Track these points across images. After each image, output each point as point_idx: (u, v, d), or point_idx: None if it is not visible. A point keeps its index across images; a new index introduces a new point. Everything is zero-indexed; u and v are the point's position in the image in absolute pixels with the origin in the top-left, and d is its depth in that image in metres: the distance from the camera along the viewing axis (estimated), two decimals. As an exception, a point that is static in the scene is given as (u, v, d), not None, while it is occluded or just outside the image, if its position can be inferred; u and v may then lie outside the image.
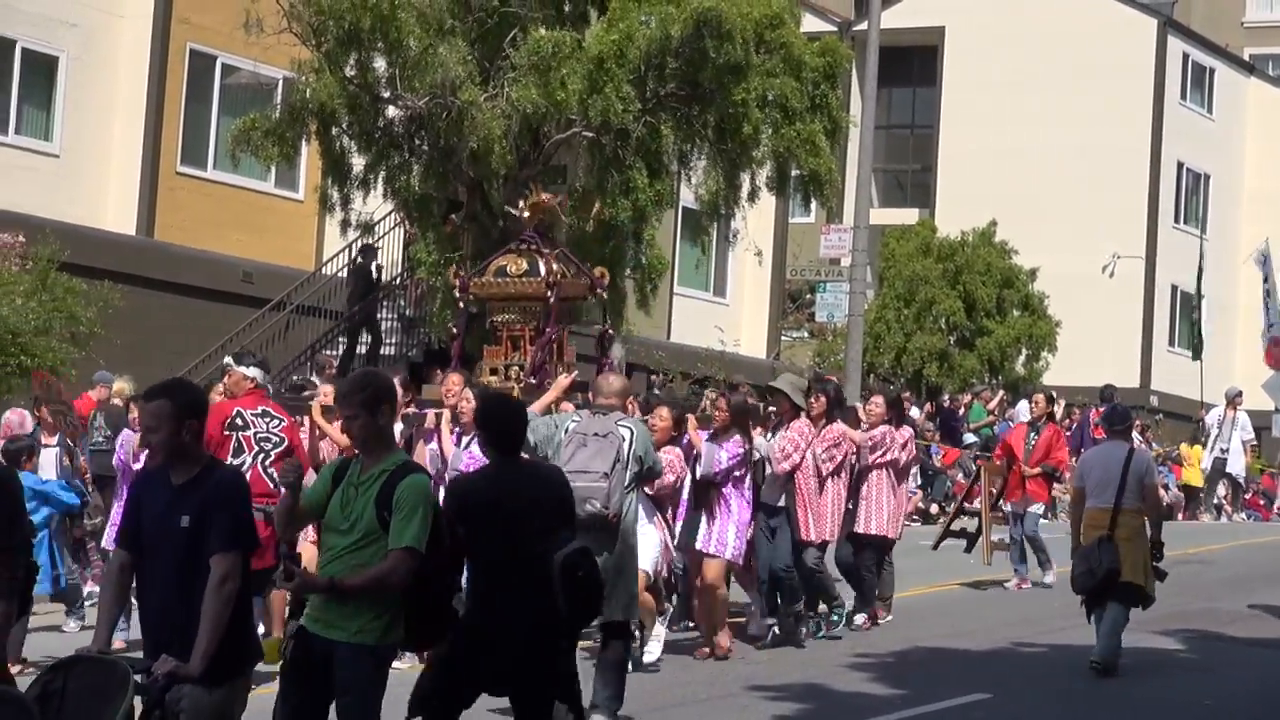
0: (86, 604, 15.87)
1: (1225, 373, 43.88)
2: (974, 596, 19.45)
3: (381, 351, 29.95)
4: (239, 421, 13.15)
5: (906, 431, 17.29)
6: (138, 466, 14.28)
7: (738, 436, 14.62)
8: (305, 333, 30.25)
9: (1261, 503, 37.19)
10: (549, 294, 16.64)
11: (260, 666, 8.20)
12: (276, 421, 13.33)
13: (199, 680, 7.52)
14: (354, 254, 30.13)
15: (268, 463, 12.89)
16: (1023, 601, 18.92)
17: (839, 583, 16.60)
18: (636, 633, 13.07)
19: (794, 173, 26.68)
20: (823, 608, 16.07)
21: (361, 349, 29.68)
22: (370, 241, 29.47)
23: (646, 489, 13.20)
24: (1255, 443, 35.71)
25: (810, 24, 35.00)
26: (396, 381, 10.71)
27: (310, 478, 12.34)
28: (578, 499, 10.97)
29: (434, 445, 15.18)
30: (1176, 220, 50.28)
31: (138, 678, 7.51)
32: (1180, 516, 32.89)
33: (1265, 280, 30.24)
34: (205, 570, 7.59)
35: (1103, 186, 48.13)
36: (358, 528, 8.23)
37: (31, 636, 14.37)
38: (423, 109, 24.41)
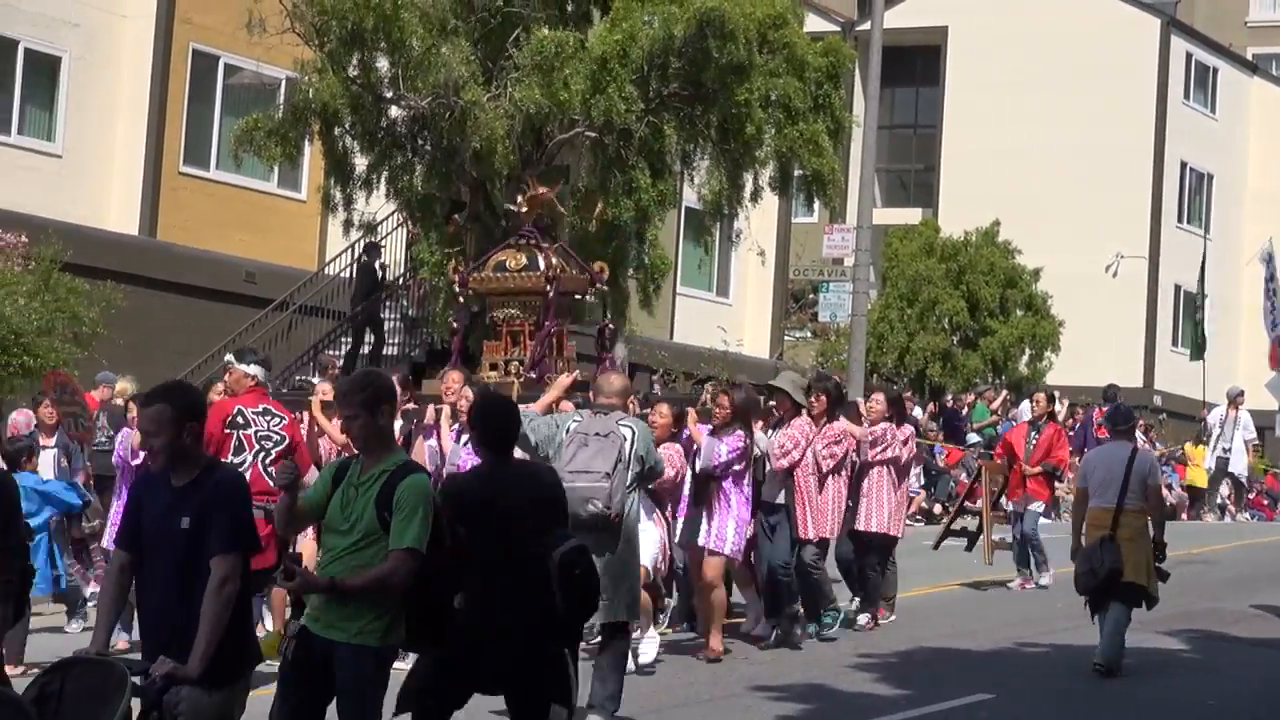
0: (89, 605, 15.86)
1: (1228, 372, 43.85)
2: (977, 597, 19.43)
3: (384, 351, 29.95)
4: (240, 420, 13.14)
5: (907, 429, 17.28)
6: (136, 463, 14.30)
7: (739, 431, 14.61)
8: (308, 333, 30.25)
9: (1265, 503, 37.17)
10: (548, 288, 16.63)
11: (261, 666, 8.19)
12: (278, 420, 13.32)
13: (197, 682, 7.51)
14: (359, 251, 30.13)
15: (268, 461, 12.88)
16: (1025, 601, 18.90)
17: (836, 583, 16.57)
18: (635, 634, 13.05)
19: (797, 173, 26.65)
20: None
21: (364, 349, 29.69)
22: (374, 239, 29.48)
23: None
24: (1257, 442, 35.69)
25: (813, 24, 35.01)
26: (395, 380, 10.70)
27: (312, 475, 12.37)
28: (580, 499, 11.00)
29: (433, 441, 15.19)
30: (1180, 220, 50.25)
31: (136, 679, 7.50)
32: (1184, 516, 32.86)
33: (1271, 279, 30.25)
34: (205, 572, 7.58)
35: (1105, 186, 48.11)
36: (358, 528, 8.22)
37: (33, 638, 14.39)
38: (426, 109, 24.39)
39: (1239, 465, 33.07)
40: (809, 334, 43.60)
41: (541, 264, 16.70)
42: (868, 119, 31.65)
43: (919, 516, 29.28)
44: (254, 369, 13.64)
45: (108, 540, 15.03)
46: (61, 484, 16.03)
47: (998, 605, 18.72)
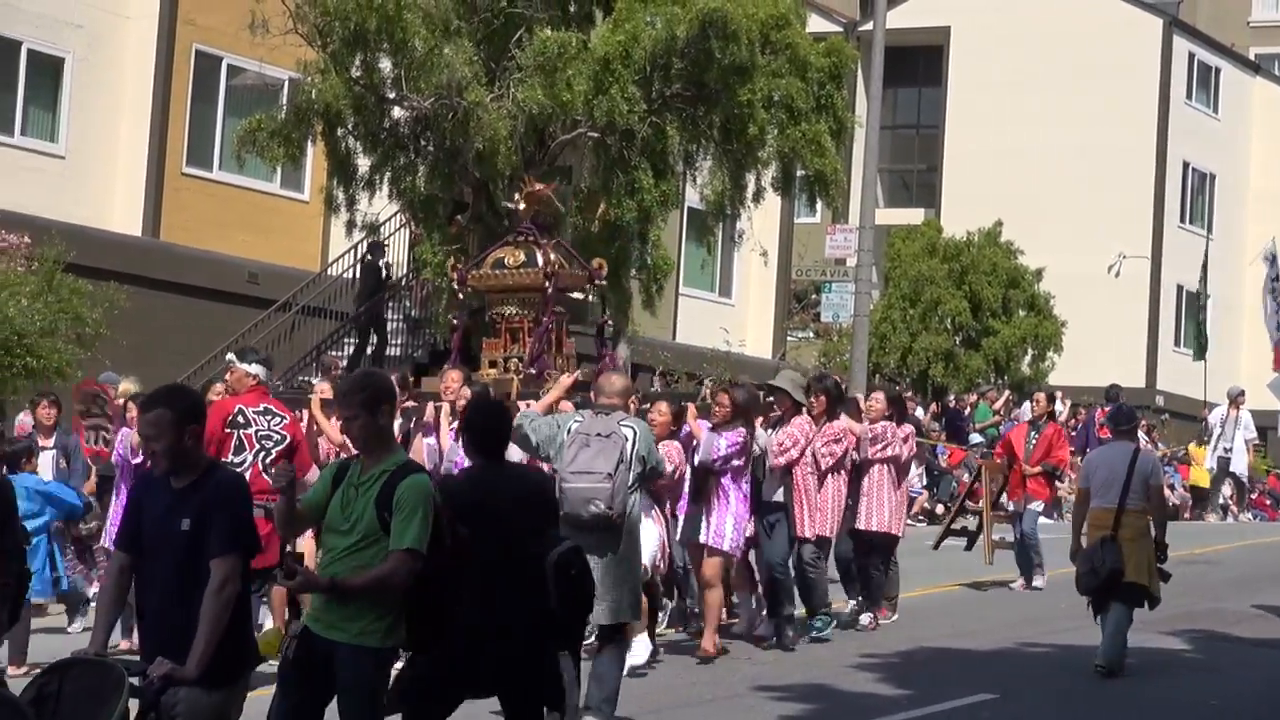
0: (91, 605, 15.86)
1: (1231, 372, 43.88)
2: (978, 597, 19.42)
3: (387, 352, 29.96)
4: (240, 419, 13.12)
5: (907, 427, 17.27)
6: (136, 462, 14.30)
7: (740, 427, 14.61)
8: (311, 333, 30.25)
9: (1268, 503, 37.16)
10: (547, 285, 16.63)
11: (261, 666, 8.19)
12: (279, 419, 13.31)
13: (195, 683, 7.51)
14: (363, 250, 30.14)
15: (268, 461, 12.87)
16: (1027, 601, 18.90)
17: (834, 583, 16.57)
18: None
19: (799, 173, 26.68)
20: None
21: (368, 349, 29.70)
22: (378, 239, 29.49)
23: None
24: (1258, 442, 35.69)
25: (816, 24, 35.03)
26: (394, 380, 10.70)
27: (313, 475, 12.36)
28: (582, 500, 11.00)
29: (431, 440, 15.20)
30: (1182, 220, 50.24)
31: (134, 680, 7.50)
32: (1185, 516, 32.86)
33: (1274, 280, 30.26)
34: (205, 573, 7.57)
35: (1108, 186, 48.10)
36: (358, 529, 8.21)
37: (35, 638, 14.39)
38: (428, 110, 24.42)
39: (1240, 465, 33.07)
40: (811, 334, 43.61)
41: (540, 260, 16.70)
42: (870, 119, 31.66)
43: (921, 517, 29.28)
44: (255, 368, 13.63)
45: (107, 540, 15.04)
46: (60, 485, 16.01)
47: (999, 605, 18.71)
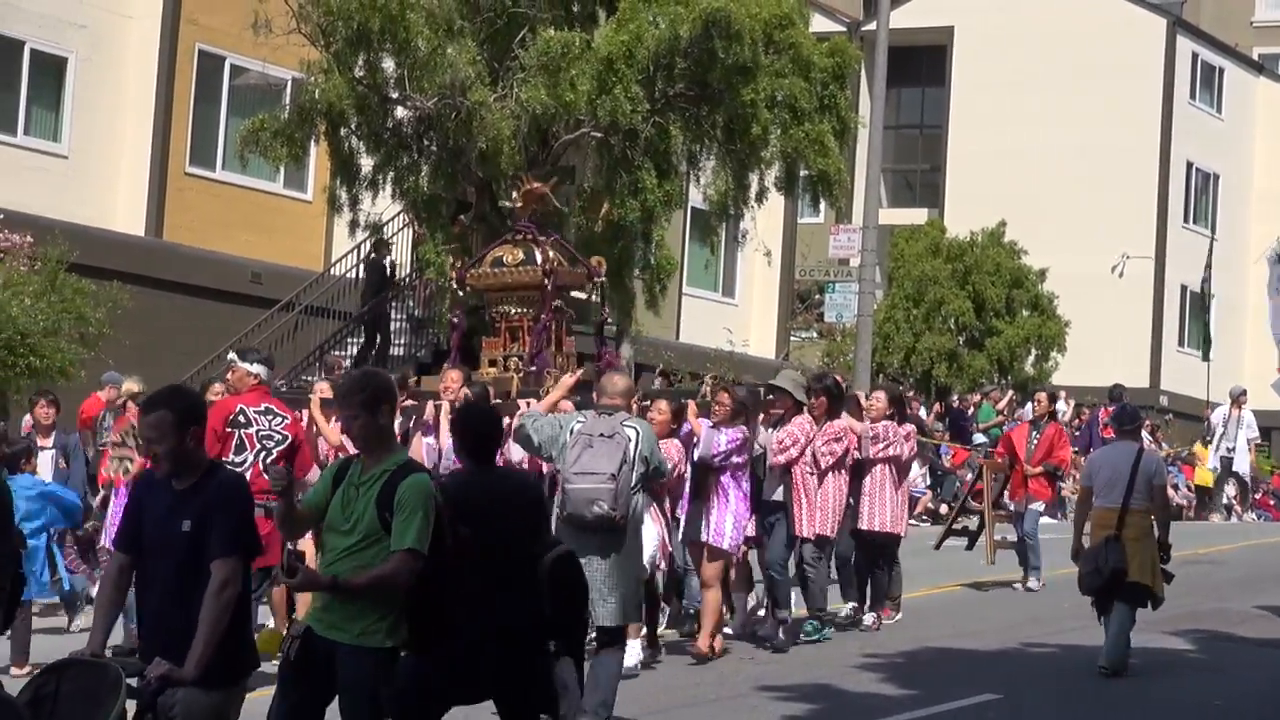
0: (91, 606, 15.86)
1: (1234, 372, 43.85)
2: (980, 597, 19.40)
3: (391, 352, 29.97)
4: (241, 419, 13.10)
5: (908, 426, 17.24)
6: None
7: (740, 425, 14.59)
8: (314, 333, 30.25)
9: (1272, 503, 37.14)
10: (546, 282, 16.60)
11: (262, 666, 8.17)
12: (280, 419, 13.29)
13: (193, 684, 7.49)
14: (367, 249, 30.15)
15: (269, 460, 12.85)
16: (1031, 601, 18.87)
17: (833, 583, 16.54)
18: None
19: (803, 173, 26.67)
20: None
21: (371, 349, 29.71)
22: (383, 237, 29.50)
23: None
24: (1260, 441, 35.66)
25: (819, 24, 34.98)
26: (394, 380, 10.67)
27: (314, 474, 12.34)
28: (585, 500, 10.96)
29: (431, 439, 15.18)
30: (1186, 220, 50.22)
31: (131, 681, 7.48)
32: (1188, 515, 32.83)
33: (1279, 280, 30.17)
34: (206, 575, 7.55)
35: (1111, 186, 48.09)
36: (359, 529, 8.19)
37: (36, 639, 14.38)
38: (431, 109, 24.41)
39: (1243, 465, 33.04)
40: (815, 334, 43.63)
41: (539, 258, 16.68)
42: (873, 119, 31.66)
43: (925, 517, 29.25)
44: (256, 367, 13.61)
45: (106, 540, 15.03)
46: (60, 485, 16.00)
47: (1003, 605, 18.69)
